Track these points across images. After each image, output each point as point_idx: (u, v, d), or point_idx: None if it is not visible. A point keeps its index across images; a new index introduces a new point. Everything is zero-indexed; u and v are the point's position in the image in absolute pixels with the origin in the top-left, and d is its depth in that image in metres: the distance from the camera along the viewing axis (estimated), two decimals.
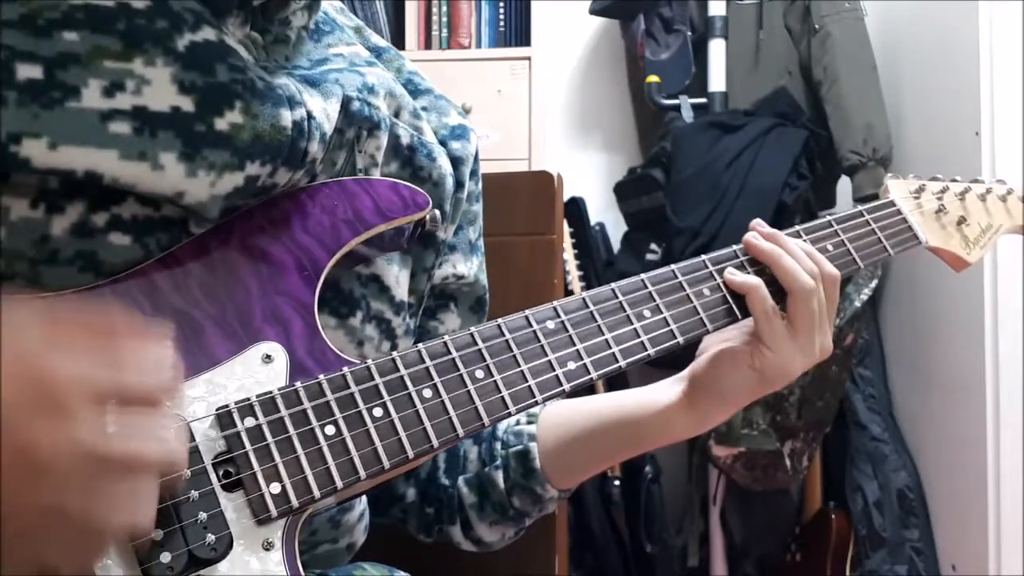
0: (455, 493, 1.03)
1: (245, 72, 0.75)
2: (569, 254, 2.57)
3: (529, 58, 2.58)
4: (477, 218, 1.04)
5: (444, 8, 2.70)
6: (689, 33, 2.77)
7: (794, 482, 2.63)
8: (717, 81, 2.76)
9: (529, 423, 1.02)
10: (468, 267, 1.02)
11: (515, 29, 2.70)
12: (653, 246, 2.64)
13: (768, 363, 0.91)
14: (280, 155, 0.76)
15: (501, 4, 2.70)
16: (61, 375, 0.53)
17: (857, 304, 2.51)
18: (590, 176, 2.95)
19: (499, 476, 1.00)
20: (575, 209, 2.76)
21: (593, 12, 2.86)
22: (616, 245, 2.86)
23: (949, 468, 2.49)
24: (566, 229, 2.59)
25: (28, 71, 0.67)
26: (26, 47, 0.67)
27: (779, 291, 0.93)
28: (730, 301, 0.92)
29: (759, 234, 0.95)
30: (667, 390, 0.98)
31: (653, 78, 2.77)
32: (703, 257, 0.93)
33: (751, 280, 0.92)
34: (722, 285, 0.92)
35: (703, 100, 2.75)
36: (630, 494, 2.57)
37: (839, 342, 2.49)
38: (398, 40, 2.67)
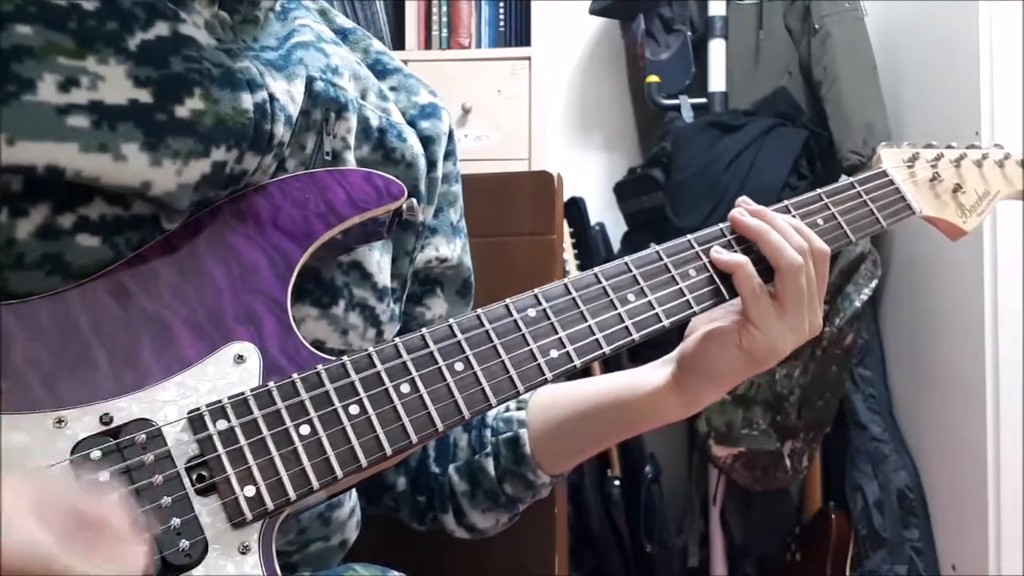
0: (446, 481, 1.02)
1: (201, 61, 0.75)
2: (569, 254, 2.57)
3: (529, 58, 2.58)
4: (457, 199, 1.04)
5: (444, 8, 2.70)
6: (689, 33, 2.77)
7: (794, 482, 2.62)
8: (717, 81, 2.75)
9: (519, 409, 1.01)
10: (451, 249, 1.02)
11: (515, 29, 2.69)
12: (653, 246, 2.63)
13: (757, 343, 0.90)
14: (245, 139, 0.76)
15: (501, 4, 2.70)
16: (17, 555, 0.52)
17: (857, 304, 2.50)
18: (590, 176, 2.95)
19: (489, 463, 1.00)
20: (575, 209, 2.75)
21: (593, 12, 2.85)
22: (616, 245, 2.85)
23: (949, 468, 2.48)
24: (566, 229, 2.58)
25: None
26: None
27: (767, 269, 0.91)
28: (717, 281, 0.90)
29: (745, 210, 0.94)
30: (656, 372, 0.96)
31: (653, 78, 2.76)
32: (688, 237, 0.91)
33: (737, 258, 0.90)
34: (708, 265, 0.90)
35: (703, 100, 2.74)
36: (630, 494, 2.56)
37: (839, 342, 2.48)
38: (398, 40, 2.66)
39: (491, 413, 1.01)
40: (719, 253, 0.91)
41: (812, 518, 2.66)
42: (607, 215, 2.88)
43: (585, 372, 0.94)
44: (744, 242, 0.93)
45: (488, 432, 1.01)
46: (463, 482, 1.01)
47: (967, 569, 2.39)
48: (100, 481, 0.64)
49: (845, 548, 2.55)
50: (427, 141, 0.97)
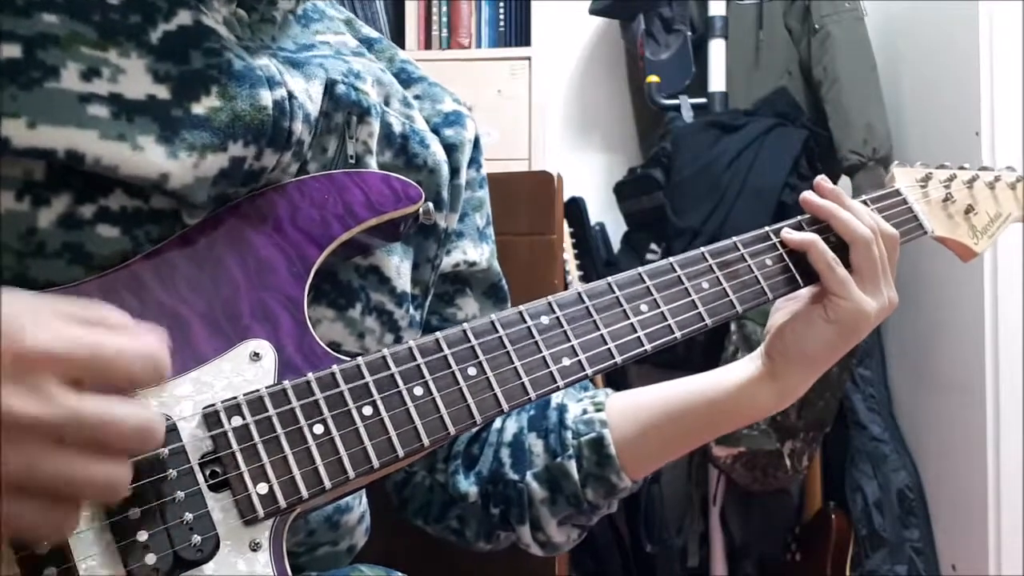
0: (524, 489, 0.98)
1: (221, 54, 0.75)
2: (569, 254, 2.56)
3: (529, 58, 2.58)
4: (483, 204, 1.03)
5: (444, 8, 2.70)
6: (689, 33, 2.77)
7: (794, 482, 2.62)
8: (717, 81, 2.75)
9: (598, 411, 0.99)
10: (479, 253, 1.01)
11: (515, 29, 2.70)
12: (653, 246, 2.64)
13: (841, 310, 0.92)
14: (263, 135, 0.76)
15: (501, 4, 2.70)
16: (37, 346, 0.53)
17: None
18: (590, 176, 2.95)
19: (572, 466, 0.97)
20: (575, 209, 2.75)
21: (593, 12, 2.86)
22: (616, 245, 2.85)
23: (949, 468, 2.49)
24: (566, 229, 2.58)
25: (7, 50, 0.67)
26: (5, 26, 0.67)
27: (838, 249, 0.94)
28: (729, 294, 0.90)
29: (816, 192, 0.97)
30: (744, 366, 0.97)
31: (653, 78, 2.76)
32: (702, 250, 0.91)
33: (809, 236, 0.93)
34: (721, 278, 0.90)
35: (703, 100, 2.74)
36: (630, 494, 2.56)
37: None
38: (398, 40, 2.66)
39: (569, 416, 0.99)
40: (790, 234, 0.94)
41: (812, 518, 2.67)
42: (607, 215, 2.88)
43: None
44: (752, 247, 0.94)
45: (569, 434, 0.98)
46: (543, 489, 0.98)
47: (967, 569, 2.40)
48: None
49: (845, 548, 2.55)
50: (450, 148, 0.96)
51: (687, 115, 2.70)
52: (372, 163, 0.87)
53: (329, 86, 0.83)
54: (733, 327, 2.36)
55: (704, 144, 2.58)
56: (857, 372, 2.66)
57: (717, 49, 2.76)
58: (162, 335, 0.61)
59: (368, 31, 1.00)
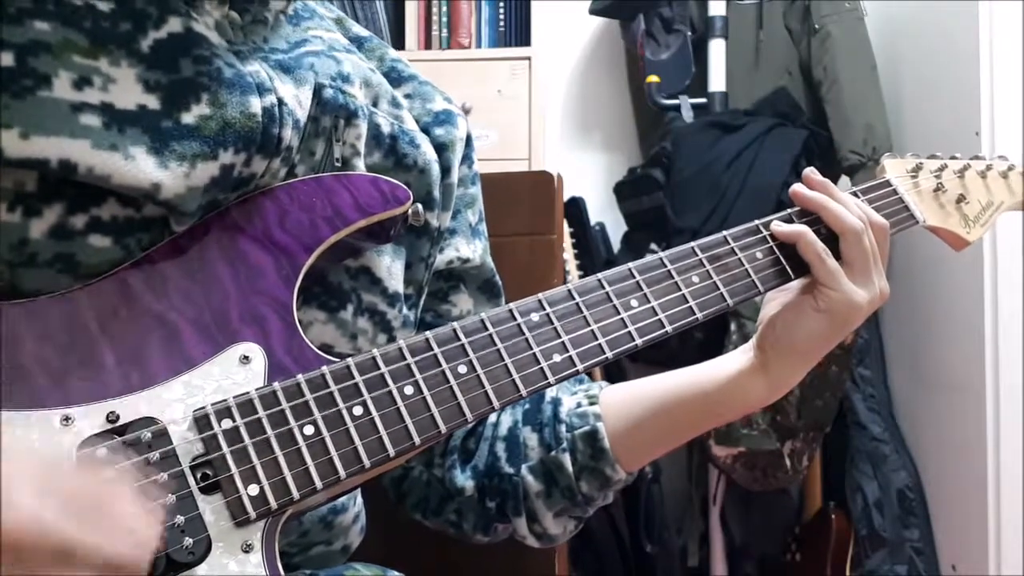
0: (520, 482, 0.98)
1: (211, 62, 0.75)
2: (569, 254, 2.56)
3: (529, 58, 2.58)
4: (475, 201, 1.03)
5: (444, 8, 2.70)
6: (689, 33, 2.77)
7: (794, 482, 2.62)
8: (717, 81, 2.75)
9: (591, 404, 0.99)
10: (472, 250, 1.01)
11: (515, 29, 2.69)
12: (653, 246, 2.63)
13: (832, 301, 0.91)
14: (253, 142, 0.76)
15: (501, 4, 2.69)
16: (16, 518, 0.53)
17: None
18: (590, 176, 2.95)
19: (567, 459, 0.97)
20: (575, 209, 2.75)
21: (593, 12, 2.86)
22: (616, 245, 2.85)
23: (949, 468, 2.48)
24: (566, 229, 2.58)
25: (0, 58, 0.67)
26: None
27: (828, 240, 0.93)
28: (720, 287, 0.90)
29: (805, 184, 0.97)
30: (737, 358, 0.97)
31: (653, 78, 2.76)
32: (692, 244, 0.91)
33: (798, 227, 0.92)
34: (711, 272, 0.90)
35: (703, 100, 2.74)
36: (630, 494, 2.56)
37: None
38: (398, 40, 2.66)
39: (563, 409, 1.00)
40: (780, 226, 0.93)
41: (812, 518, 2.67)
42: (607, 215, 2.87)
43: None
44: (744, 241, 0.94)
45: (563, 428, 0.98)
46: (538, 482, 0.98)
47: (967, 569, 2.40)
48: (103, 461, 0.64)
49: (845, 548, 2.55)
50: (441, 147, 0.96)
51: (687, 115, 2.69)
52: (360, 165, 0.87)
53: (317, 90, 0.83)
54: (733, 327, 2.36)
55: (704, 144, 2.58)
56: (857, 372, 2.66)
57: (717, 49, 2.76)
58: (160, 529, 0.61)
59: (359, 30, 1.00)
